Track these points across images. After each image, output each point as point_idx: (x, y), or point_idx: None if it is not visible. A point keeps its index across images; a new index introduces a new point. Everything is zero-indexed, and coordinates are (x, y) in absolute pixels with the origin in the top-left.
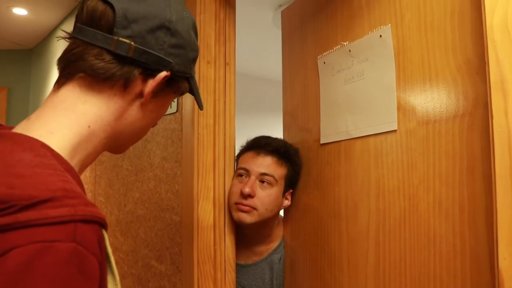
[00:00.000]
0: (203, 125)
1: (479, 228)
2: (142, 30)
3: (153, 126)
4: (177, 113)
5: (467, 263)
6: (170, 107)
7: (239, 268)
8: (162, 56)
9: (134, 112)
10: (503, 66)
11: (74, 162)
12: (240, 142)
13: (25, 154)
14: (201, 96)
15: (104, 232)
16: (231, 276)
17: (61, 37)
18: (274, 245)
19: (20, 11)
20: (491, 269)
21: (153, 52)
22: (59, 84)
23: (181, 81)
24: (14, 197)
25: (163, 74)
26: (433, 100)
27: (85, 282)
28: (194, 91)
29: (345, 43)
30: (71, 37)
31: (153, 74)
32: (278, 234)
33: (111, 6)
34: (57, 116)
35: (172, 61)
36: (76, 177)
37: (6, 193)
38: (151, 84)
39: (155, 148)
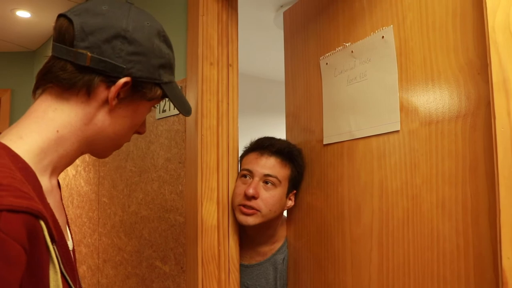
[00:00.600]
0: (206, 127)
1: (482, 227)
2: (97, 41)
3: (139, 133)
4: (180, 115)
5: (470, 263)
6: (174, 108)
7: (243, 268)
8: (118, 64)
9: (103, 118)
10: (505, 67)
11: (43, 164)
12: (243, 142)
13: None
14: (204, 97)
15: (41, 223)
16: (235, 276)
17: (47, 56)
18: (277, 245)
19: (23, 14)
20: (495, 269)
21: (109, 60)
22: (35, 95)
23: (149, 87)
24: None
25: (123, 80)
26: (436, 100)
27: (3, 265)
28: (169, 97)
29: (347, 44)
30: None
31: (115, 81)
32: (282, 234)
33: (72, 22)
34: (29, 123)
35: (131, 68)
36: (31, 176)
37: None
38: (112, 90)
39: (159, 149)
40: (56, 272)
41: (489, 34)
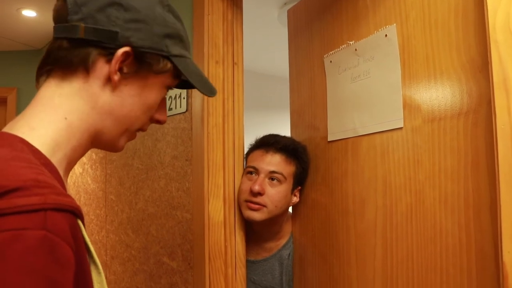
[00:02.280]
0: (212, 124)
1: (484, 222)
2: (91, 11)
3: (158, 122)
4: (187, 113)
5: (472, 257)
6: (181, 107)
7: (249, 264)
8: (114, 30)
9: (110, 99)
10: (505, 66)
11: (58, 157)
12: (248, 138)
13: (2, 150)
14: None
15: (79, 221)
16: (241, 271)
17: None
18: (283, 241)
19: (29, 13)
20: (496, 262)
21: (103, 28)
22: (39, 83)
23: (155, 59)
24: None
25: (122, 50)
26: (438, 98)
27: (58, 268)
28: (183, 71)
29: (351, 42)
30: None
31: (114, 53)
32: (287, 230)
33: None
34: (37, 112)
35: (126, 35)
36: (54, 171)
37: None
38: (113, 63)
39: (166, 147)
40: (99, 273)
41: (489, 33)
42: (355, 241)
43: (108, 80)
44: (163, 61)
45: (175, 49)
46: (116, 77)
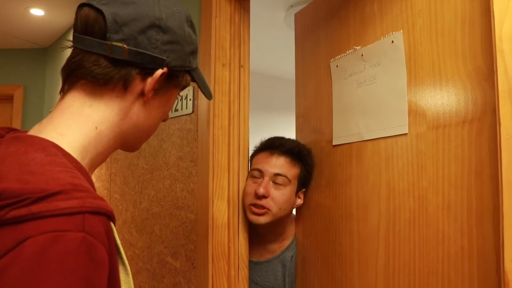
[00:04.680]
0: (218, 126)
1: (486, 229)
2: (133, 32)
3: (164, 121)
4: (192, 114)
5: (474, 264)
6: (187, 108)
7: (252, 265)
8: (156, 55)
9: (138, 111)
10: (511, 75)
11: (85, 162)
12: (253, 139)
13: (37, 154)
14: (216, 97)
15: (112, 224)
16: (244, 272)
17: (65, 47)
18: (286, 243)
19: (37, 12)
20: (498, 270)
21: (147, 52)
22: (64, 91)
23: (181, 75)
24: (27, 191)
25: (160, 71)
26: (443, 105)
27: (95, 268)
28: (197, 82)
29: (357, 48)
30: (72, 46)
31: (150, 73)
32: (291, 232)
33: (101, 12)
34: (66, 119)
35: (166, 58)
36: (86, 175)
37: (21, 187)
38: (150, 82)
39: (171, 147)
40: (128, 274)
41: (495, 43)
42: (358, 245)
43: (140, 95)
44: (185, 75)
45: (194, 63)
46: (150, 94)
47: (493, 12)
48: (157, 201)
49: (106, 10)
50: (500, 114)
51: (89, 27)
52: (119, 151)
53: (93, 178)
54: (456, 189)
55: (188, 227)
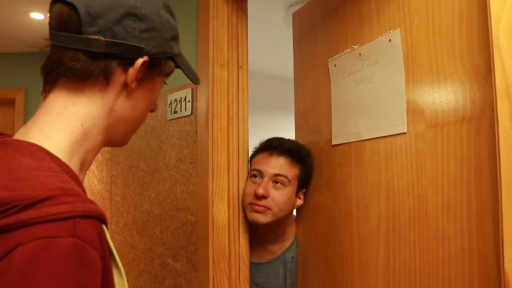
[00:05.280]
0: (217, 127)
1: (486, 229)
2: (108, 23)
3: (152, 111)
4: (191, 116)
5: (474, 263)
6: (186, 110)
7: (253, 266)
8: (134, 44)
9: (123, 103)
10: (508, 73)
11: (74, 162)
12: (253, 140)
13: (25, 159)
14: (215, 99)
15: (104, 227)
16: (245, 274)
17: (44, 46)
18: (287, 243)
19: (37, 16)
20: (498, 269)
21: (125, 42)
22: (46, 91)
23: (164, 63)
24: (15, 198)
25: (141, 60)
26: (442, 103)
27: (87, 273)
28: (182, 68)
29: (355, 47)
30: (51, 44)
31: (131, 63)
32: (291, 233)
33: (73, 6)
34: (51, 120)
35: (145, 46)
36: (75, 178)
37: (8, 195)
38: (131, 73)
39: (171, 149)
40: (122, 276)
41: (493, 40)
42: (358, 245)
43: (123, 87)
44: (168, 62)
45: (176, 49)
46: (133, 84)
47: (489, 9)
48: (157, 203)
49: (78, 4)
50: (498, 112)
51: (63, 22)
52: (120, 153)
53: (94, 180)
54: (456, 188)
55: (188, 229)
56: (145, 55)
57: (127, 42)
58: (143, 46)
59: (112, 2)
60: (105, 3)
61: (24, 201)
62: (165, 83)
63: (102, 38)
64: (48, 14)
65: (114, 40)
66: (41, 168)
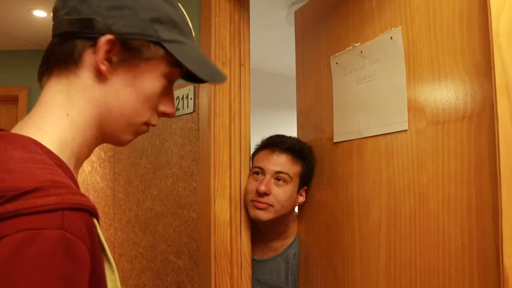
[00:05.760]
0: (219, 125)
1: (486, 225)
2: (75, 3)
3: (166, 114)
4: (194, 113)
5: (474, 260)
6: (188, 107)
7: (255, 263)
8: (92, 17)
9: (103, 91)
10: (508, 70)
11: (66, 155)
12: (255, 138)
13: (16, 152)
14: (217, 96)
15: (95, 220)
16: (247, 271)
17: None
18: (289, 240)
19: (40, 14)
20: (498, 265)
21: (85, 17)
22: (42, 83)
23: (144, 45)
24: (3, 189)
25: (104, 38)
26: (442, 101)
27: (74, 267)
28: (179, 58)
29: (357, 44)
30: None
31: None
32: (293, 230)
33: None
34: (42, 112)
35: (108, 23)
36: (67, 171)
37: None
38: (97, 52)
39: (173, 146)
40: (113, 271)
41: (493, 38)
42: (359, 242)
43: (99, 71)
44: (154, 46)
45: (167, 34)
46: (103, 67)
47: (490, 7)
48: (160, 200)
49: None
50: (497, 109)
51: (52, 15)
52: (123, 151)
53: (97, 177)
54: (456, 185)
55: (190, 226)
56: (111, 33)
57: (88, 17)
58: (96, 17)
59: None
60: None
61: (11, 192)
62: (173, 79)
63: (66, 17)
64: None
65: (76, 17)
66: (32, 160)
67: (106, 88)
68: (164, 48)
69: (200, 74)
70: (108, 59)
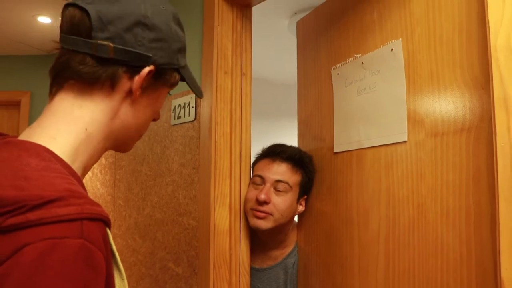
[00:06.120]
0: (220, 133)
1: (484, 237)
2: (119, 30)
3: (154, 120)
4: (195, 122)
5: (473, 271)
6: (189, 115)
7: (254, 272)
8: (142, 52)
9: (126, 110)
10: (506, 84)
11: (76, 165)
12: (256, 146)
13: (31, 159)
14: (218, 105)
15: (107, 230)
16: (245, 279)
17: (52, 49)
18: (288, 249)
19: (44, 19)
20: (495, 278)
21: (133, 50)
22: (53, 93)
23: (169, 73)
24: (24, 198)
25: (147, 69)
26: (442, 113)
27: (93, 275)
28: (187, 81)
29: (357, 56)
30: (60, 47)
31: (138, 71)
32: (292, 239)
33: (86, 11)
34: (56, 122)
35: (152, 55)
36: (79, 180)
37: (16, 194)
38: (137, 80)
39: (174, 154)
40: (123, 279)
41: (491, 53)
42: (358, 251)
43: (128, 94)
44: (174, 73)
45: (183, 61)
46: (138, 92)
47: (488, 22)
48: (160, 208)
49: (91, 9)
50: (495, 123)
51: (74, 26)
52: (123, 157)
53: (98, 183)
54: (454, 196)
55: (190, 234)
56: (152, 64)
57: (136, 50)
58: (150, 55)
59: (124, 10)
60: (117, 11)
61: (33, 201)
62: (169, 93)
63: (111, 44)
64: (60, 18)
65: (122, 47)
66: (48, 169)
67: (131, 108)
68: (179, 73)
69: (196, 92)
70: (142, 86)
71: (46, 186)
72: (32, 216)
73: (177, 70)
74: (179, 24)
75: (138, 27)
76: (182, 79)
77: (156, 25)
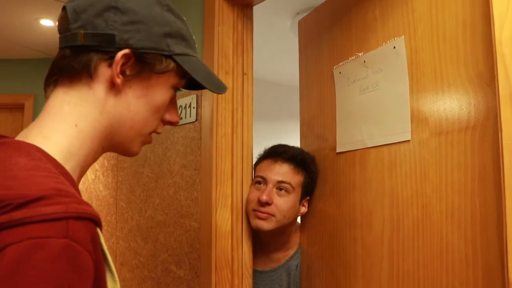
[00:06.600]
0: (221, 134)
1: (490, 237)
2: (90, 17)
3: (171, 123)
4: (196, 122)
5: (479, 272)
6: (190, 116)
7: (257, 274)
8: (111, 33)
9: (115, 102)
10: None
11: (71, 164)
12: (259, 147)
13: (21, 159)
14: (219, 106)
15: (98, 230)
16: (248, 281)
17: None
18: (291, 251)
19: (47, 23)
20: (503, 279)
21: (103, 32)
22: (47, 93)
23: (157, 59)
24: (9, 197)
25: (121, 52)
26: (446, 111)
27: (77, 276)
28: (188, 70)
29: (360, 54)
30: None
31: (113, 56)
32: (295, 241)
33: (64, 8)
34: (49, 121)
35: (125, 37)
36: (71, 180)
37: (3, 194)
38: (114, 66)
39: (175, 156)
40: (115, 281)
41: (496, 47)
42: (362, 253)
43: (112, 84)
44: (166, 60)
45: (178, 48)
46: (119, 80)
47: (492, 16)
48: (161, 209)
49: (68, 4)
50: (501, 119)
51: (60, 26)
52: (125, 159)
53: (100, 186)
54: (460, 196)
55: (192, 236)
56: (128, 48)
57: (105, 32)
58: (115, 33)
59: None
60: (90, 0)
61: (17, 200)
62: (178, 89)
63: (81, 31)
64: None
65: (93, 32)
66: (37, 168)
67: (119, 100)
68: (175, 61)
69: (207, 84)
70: (122, 72)
71: (32, 185)
72: (16, 215)
73: (171, 57)
74: (170, 10)
75: (110, 11)
76: (179, 67)
77: (131, 8)
